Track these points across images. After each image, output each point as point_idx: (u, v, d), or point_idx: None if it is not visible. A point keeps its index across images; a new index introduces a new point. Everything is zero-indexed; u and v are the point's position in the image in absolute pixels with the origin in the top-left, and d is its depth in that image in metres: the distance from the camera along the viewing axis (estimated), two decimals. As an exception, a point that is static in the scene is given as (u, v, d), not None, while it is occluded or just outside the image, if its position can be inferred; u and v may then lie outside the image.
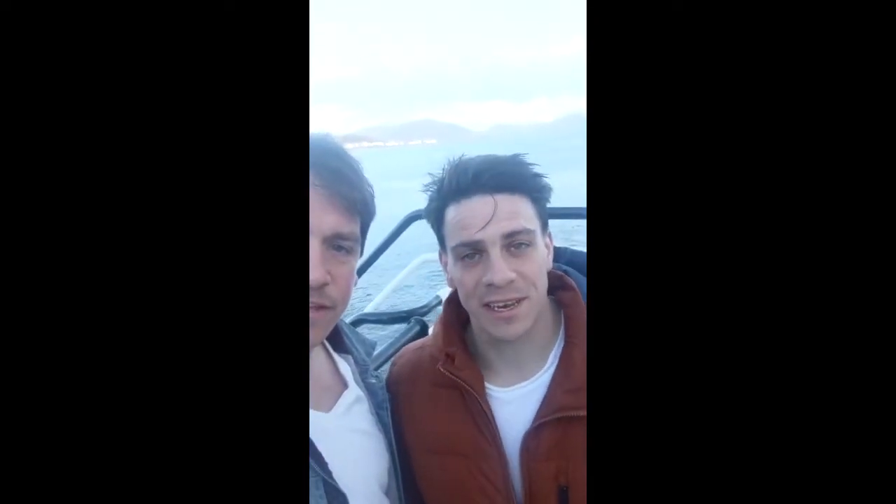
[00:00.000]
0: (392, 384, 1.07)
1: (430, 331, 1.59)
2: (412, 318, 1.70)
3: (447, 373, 0.95)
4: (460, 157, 0.95)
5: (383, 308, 2.26)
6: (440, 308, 2.06)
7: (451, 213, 0.92)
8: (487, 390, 0.96)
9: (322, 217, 0.76)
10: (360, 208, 0.82)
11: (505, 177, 0.90)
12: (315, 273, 0.75)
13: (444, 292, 2.15)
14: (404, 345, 1.56)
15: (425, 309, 1.92)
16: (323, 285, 0.77)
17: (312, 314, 0.77)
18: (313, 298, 0.77)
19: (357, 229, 0.83)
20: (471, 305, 0.93)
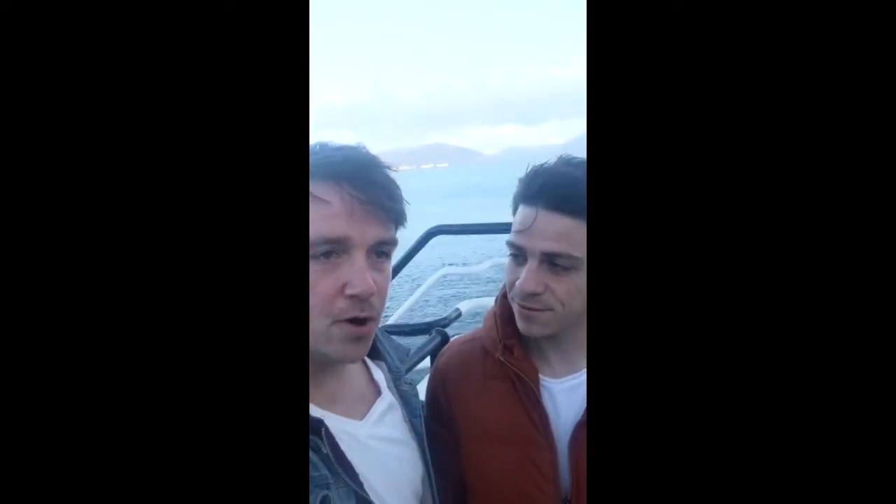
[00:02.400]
0: (439, 373, 1.10)
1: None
2: (433, 329, 1.76)
3: (507, 363, 0.99)
4: (542, 164, 0.97)
5: (404, 321, 2.33)
6: (460, 321, 2.12)
7: (518, 211, 0.97)
8: (540, 380, 0.99)
9: (366, 229, 0.77)
10: (399, 213, 0.82)
11: (568, 199, 0.90)
12: (365, 284, 0.75)
13: (465, 305, 2.21)
14: (426, 356, 1.61)
15: (446, 321, 1.98)
16: (371, 295, 0.77)
17: (362, 328, 0.79)
18: (364, 311, 0.78)
19: (395, 233, 0.83)
20: (509, 296, 1.00)
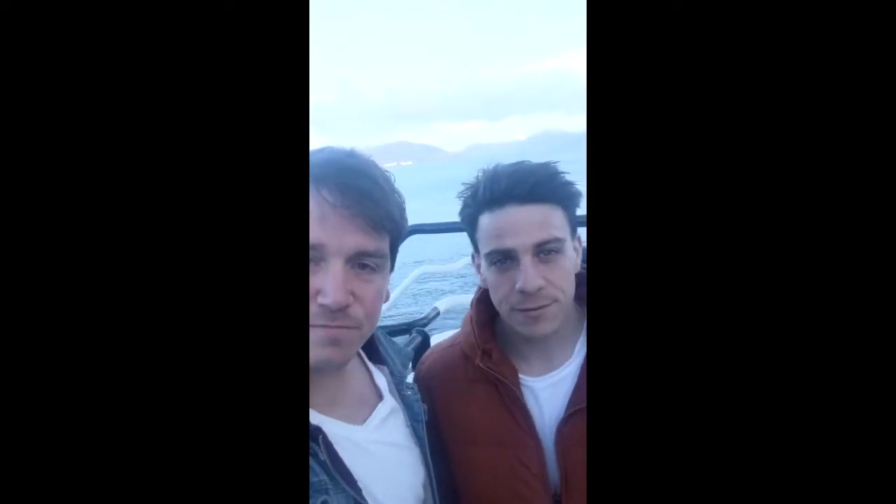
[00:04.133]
0: (423, 380, 1.12)
1: (434, 339, 1.67)
2: (413, 329, 1.78)
3: (487, 368, 1.01)
4: (495, 167, 1.00)
5: (384, 321, 2.34)
6: (438, 319, 2.14)
7: (485, 220, 0.97)
8: (521, 381, 1.02)
9: (343, 237, 0.74)
10: (387, 225, 0.78)
11: (537, 187, 0.94)
12: (336, 295, 0.73)
13: (442, 304, 2.23)
14: (408, 356, 1.64)
15: (425, 321, 2.00)
16: (344, 307, 0.75)
17: (332, 331, 0.76)
18: (336, 320, 0.75)
19: (384, 246, 0.79)
20: (503, 308, 0.99)
